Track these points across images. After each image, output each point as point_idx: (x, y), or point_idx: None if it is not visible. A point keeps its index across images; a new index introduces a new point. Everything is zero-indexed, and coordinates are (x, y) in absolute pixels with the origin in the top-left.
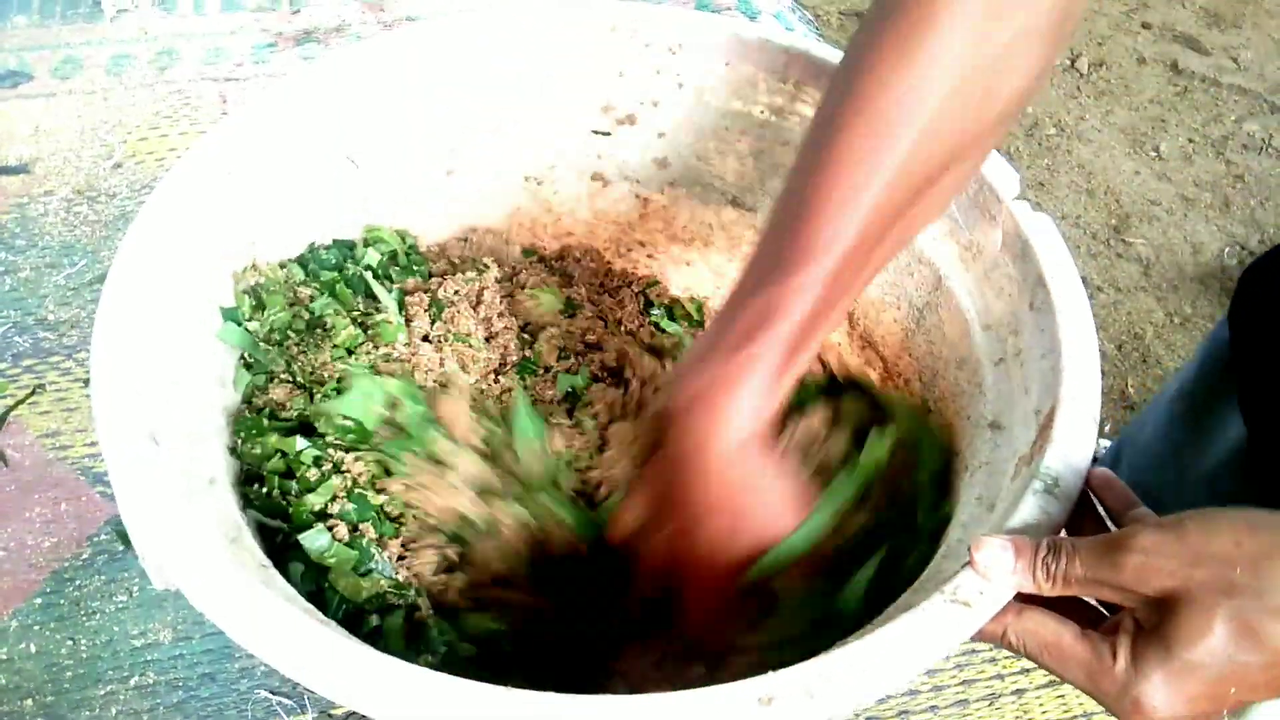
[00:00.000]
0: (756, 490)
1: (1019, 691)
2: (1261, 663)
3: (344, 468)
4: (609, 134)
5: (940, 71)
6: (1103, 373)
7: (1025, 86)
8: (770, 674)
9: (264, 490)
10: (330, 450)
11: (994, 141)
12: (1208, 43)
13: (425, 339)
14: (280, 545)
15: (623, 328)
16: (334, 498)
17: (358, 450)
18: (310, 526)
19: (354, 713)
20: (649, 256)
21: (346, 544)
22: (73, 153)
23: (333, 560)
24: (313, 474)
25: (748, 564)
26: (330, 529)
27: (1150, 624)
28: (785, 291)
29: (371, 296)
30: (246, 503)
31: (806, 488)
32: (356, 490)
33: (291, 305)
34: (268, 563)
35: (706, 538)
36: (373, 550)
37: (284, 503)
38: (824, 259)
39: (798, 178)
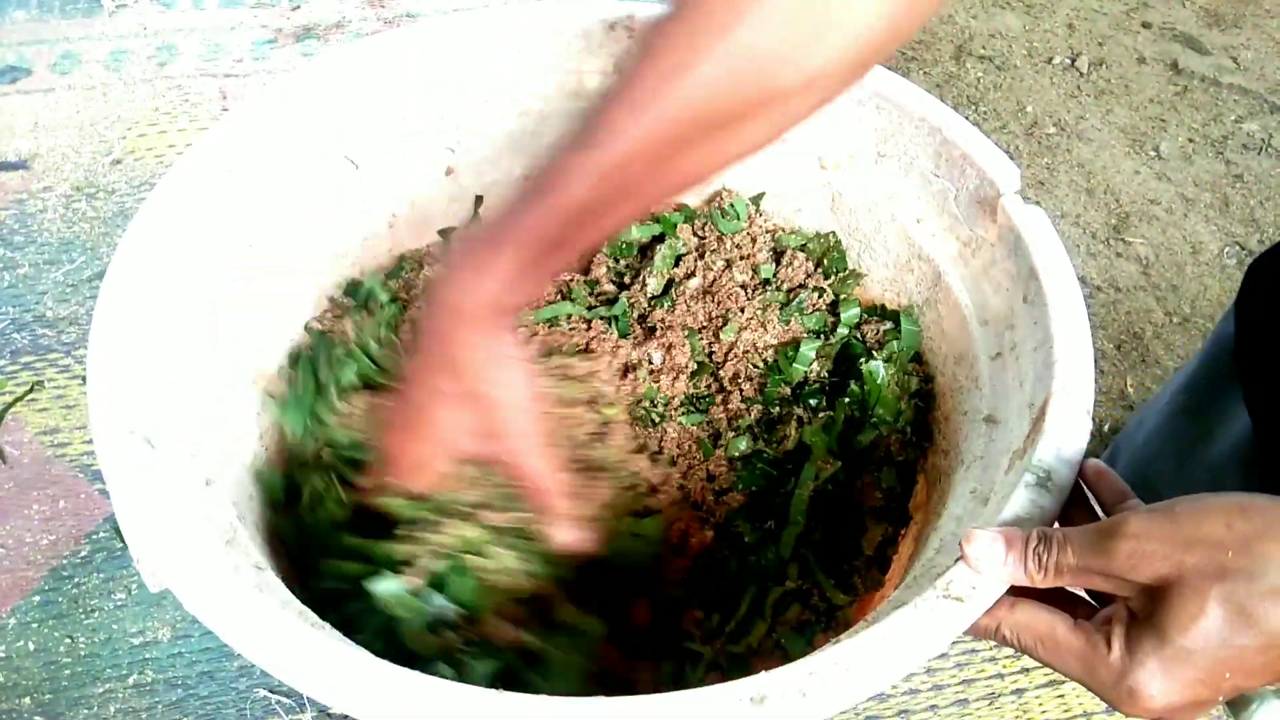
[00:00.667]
0: (484, 361)
1: (1019, 691)
2: (1256, 646)
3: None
4: None
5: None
6: (1101, 372)
7: (870, 34)
8: (763, 673)
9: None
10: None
11: (813, 99)
12: (1208, 42)
13: None
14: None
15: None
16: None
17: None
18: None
19: None
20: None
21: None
22: (72, 149)
23: (401, 611)
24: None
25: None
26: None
27: (1144, 612)
28: (560, 170)
29: None
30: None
31: (530, 373)
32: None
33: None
34: (264, 565)
35: (436, 399)
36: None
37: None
38: (600, 153)
39: (615, 84)
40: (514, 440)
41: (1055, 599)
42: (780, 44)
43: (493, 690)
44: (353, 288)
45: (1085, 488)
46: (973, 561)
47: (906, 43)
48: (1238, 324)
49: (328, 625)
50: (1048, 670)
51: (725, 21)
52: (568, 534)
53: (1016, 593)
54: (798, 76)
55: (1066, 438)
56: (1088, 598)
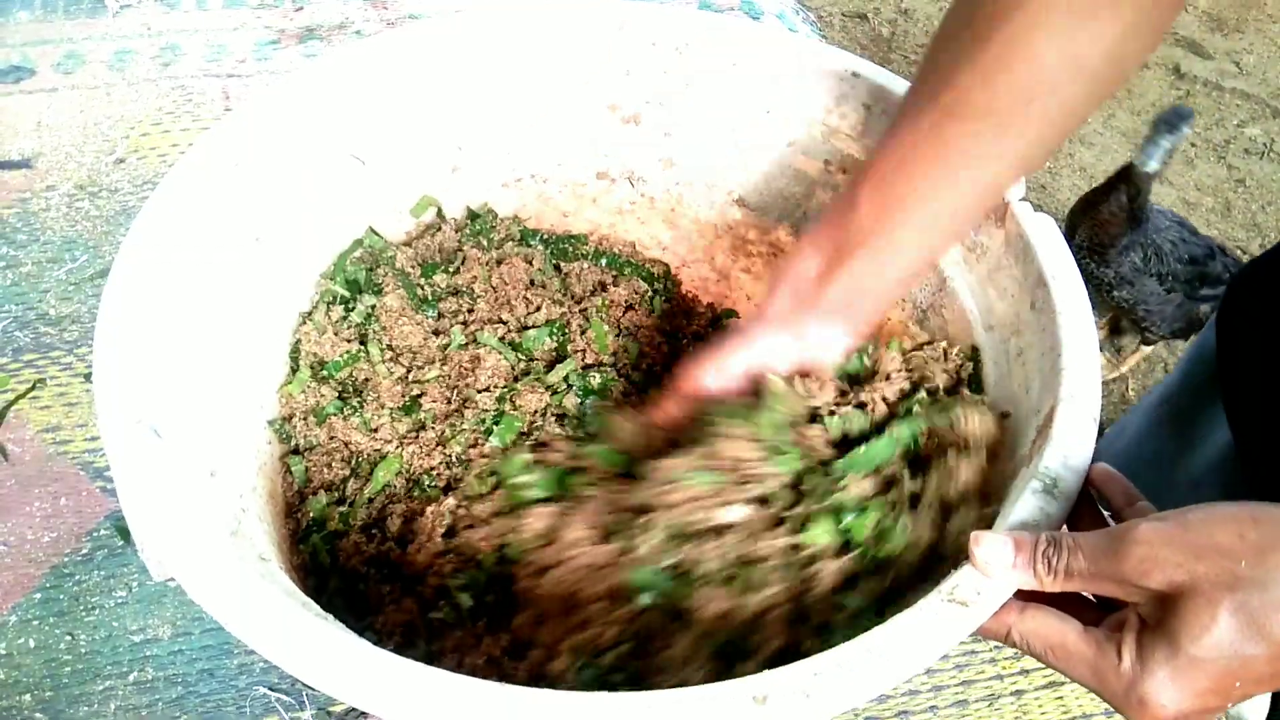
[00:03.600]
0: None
1: (1018, 692)
2: (1267, 655)
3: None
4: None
5: (1094, 44)
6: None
7: (1126, 75)
8: (766, 673)
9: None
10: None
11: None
12: (1210, 47)
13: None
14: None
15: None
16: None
17: None
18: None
19: (353, 709)
20: (662, 249)
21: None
22: (75, 148)
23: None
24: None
25: None
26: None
27: (1154, 619)
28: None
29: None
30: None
31: None
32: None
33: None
34: (269, 556)
35: None
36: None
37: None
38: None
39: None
40: None
41: (1064, 603)
42: (1096, 96)
43: (501, 685)
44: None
45: (1093, 492)
46: (981, 564)
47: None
48: (1219, 336)
49: (331, 616)
50: (1047, 671)
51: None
52: None
53: (1026, 597)
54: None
55: (1074, 444)
56: (1095, 602)
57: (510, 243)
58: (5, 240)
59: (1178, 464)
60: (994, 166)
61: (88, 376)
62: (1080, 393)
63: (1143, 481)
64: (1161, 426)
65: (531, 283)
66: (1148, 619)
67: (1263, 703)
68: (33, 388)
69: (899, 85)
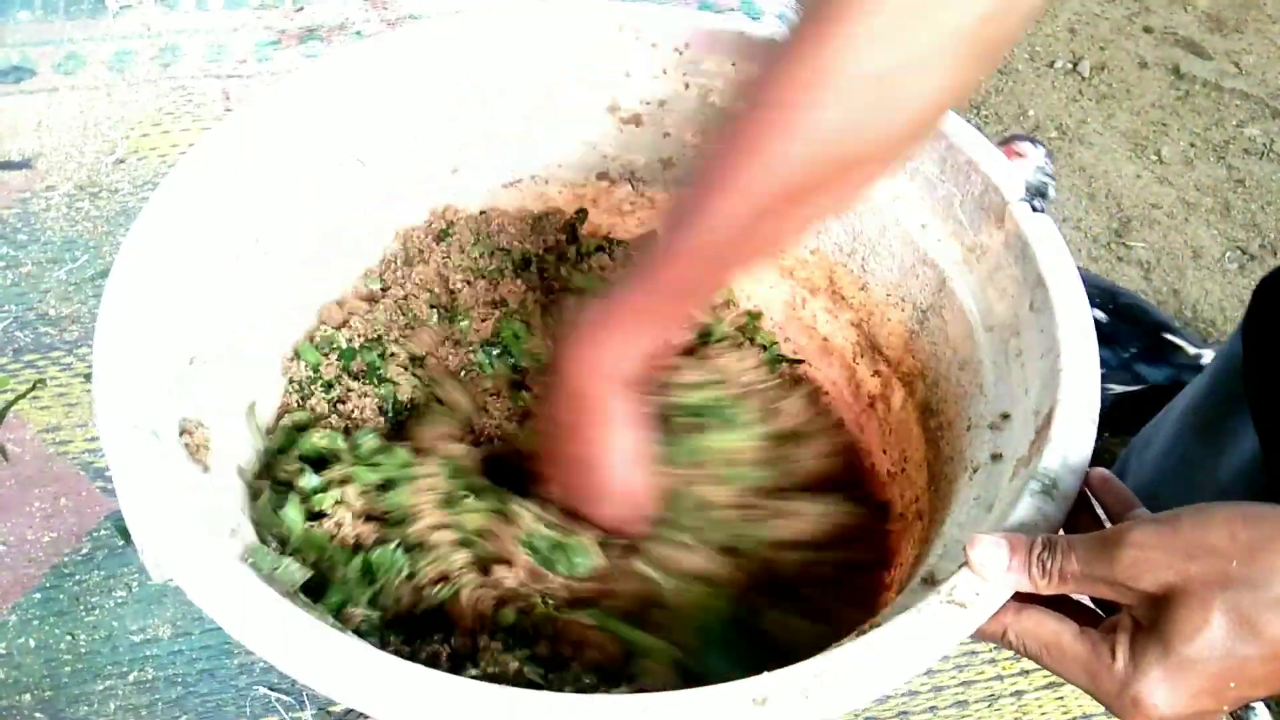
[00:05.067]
0: (604, 428)
1: (1018, 693)
2: (1261, 655)
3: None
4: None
5: (841, 65)
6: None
7: (939, 99)
8: (766, 674)
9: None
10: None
11: (899, 150)
12: (1210, 47)
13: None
14: None
15: None
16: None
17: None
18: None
19: (353, 710)
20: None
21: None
22: (75, 148)
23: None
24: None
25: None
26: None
27: (1148, 621)
28: (668, 262)
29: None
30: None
31: (647, 455)
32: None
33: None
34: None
35: (550, 458)
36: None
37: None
38: (708, 236)
39: (702, 159)
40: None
41: (1060, 604)
42: (856, 120)
43: (498, 686)
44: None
45: (1091, 496)
46: (976, 566)
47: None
48: (1245, 344)
49: (330, 618)
50: (1047, 672)
51: (803, 101)
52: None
53: (1022, 598)
54: (874, 146)
55: (1072, 446)
56: (1091, 604)
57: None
58: (6, 240)
59: (1205, 472)
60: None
61: (88, 377)
62: (1079, 394)
63: (1171, 489)
64: (1189, 435)
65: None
66: (1141, 620)
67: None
68: (33, 388)
69: None
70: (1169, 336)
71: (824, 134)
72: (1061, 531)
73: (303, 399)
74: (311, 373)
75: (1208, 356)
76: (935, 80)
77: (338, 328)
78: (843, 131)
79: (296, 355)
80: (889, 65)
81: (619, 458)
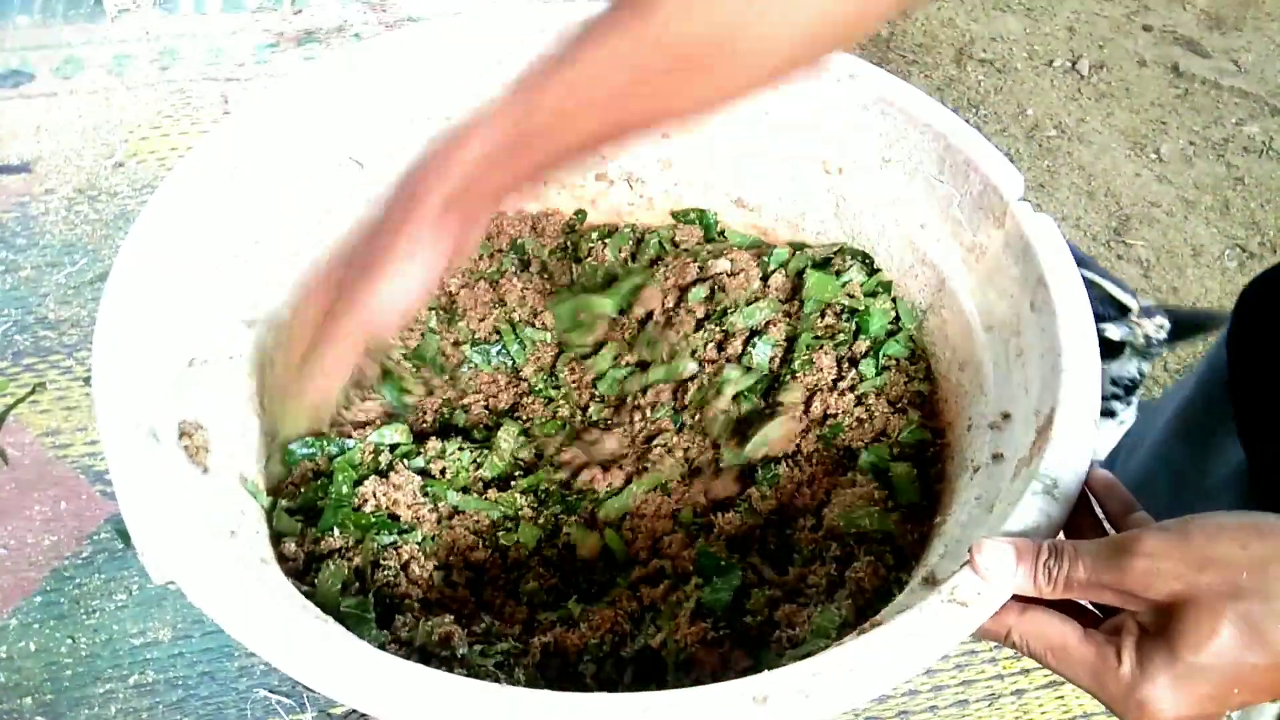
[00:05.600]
0: (416, 224)
1: (1019, 692)
2: (1267, 664)
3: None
4: None
5: None
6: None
7: (825, 14)
8: (766, 673)
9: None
10: None
11: (773, 59)
12: (1209, 45)
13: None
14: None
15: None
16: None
17: None
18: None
19: (354, 711)
20: None
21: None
22: (74, 152)
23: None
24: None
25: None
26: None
27: (1154, 627)
28: (530, 86)
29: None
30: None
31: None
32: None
33: None
34: (268, 557)
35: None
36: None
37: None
38: (565, 73)
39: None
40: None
41: (1059, 604)
42: (743, 8)
43: (499, 685)
44: None
45: (1092, 498)
46: (982, 571)
47: (867, 34)
48: (1230, 354)
49: (330, 618)
50: (1047, 671)
51: None
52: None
53: (1025, 598)
54: (755, 40)
55: (1074, 447)
56: (1091, 606)
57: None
58: (4, 244)
59: (1193, 479)
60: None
61: (87, 380)
62: (1080, 394)
63: (1158, 496)
64: (1177, 441)
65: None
66: (1148, 626)
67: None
68: (32, 391)
69: (897, 86)
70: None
71: (711, 11)
72: (1062, 534)
73: None
74: None
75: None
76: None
77: None
78: (729, 14)
79: None
80: None
81: (408, 262)
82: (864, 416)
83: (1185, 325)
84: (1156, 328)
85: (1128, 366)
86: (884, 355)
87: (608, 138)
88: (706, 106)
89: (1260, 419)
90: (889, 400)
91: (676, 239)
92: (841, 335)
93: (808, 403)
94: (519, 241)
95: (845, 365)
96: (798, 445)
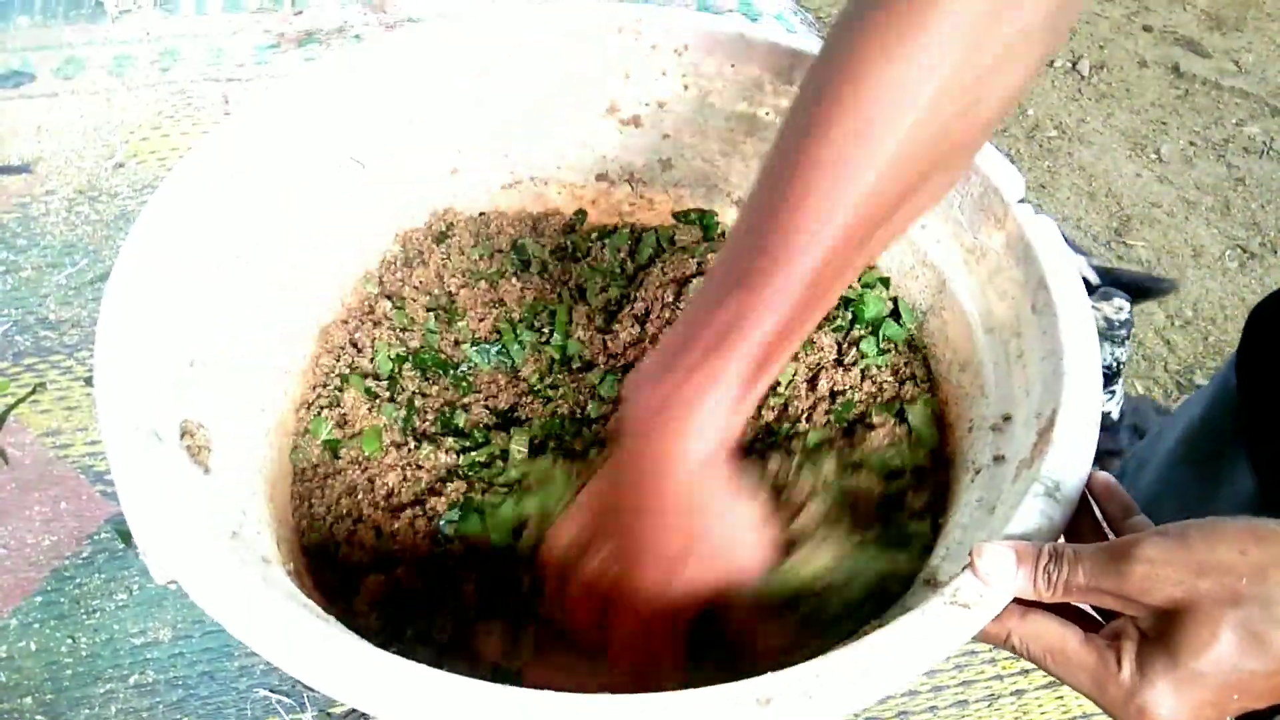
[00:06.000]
0: (717, 516)
1: (1018, 692)
2: (1267, 670)
3: None
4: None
5: (929, 73)
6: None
7: (1018, 88)
8: (770, 674)
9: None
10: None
11: (980, 145)
12: (1209, 46)
13: None
14: None
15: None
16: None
17: None
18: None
19: (354, 711)
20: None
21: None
22: (75, 152)
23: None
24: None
25: (696, 601)
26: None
27: (1154, 632)
28: (755, 301)
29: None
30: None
31: (771, 520)
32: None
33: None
34: (271, 557)
35: (653, 565)
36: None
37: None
38: (796, 268)
39: (771, 178)
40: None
41: (1059, 608)
42: (945, 128)
43: (499, 686)
44: None
45: (1092, 502)
46: (983, 574)
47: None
48: (1239, 378)
49: (332, 618)
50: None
51: (887, 118)
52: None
53: (1025, 602)
54: (974, 130)
55: (1076, 449)
56: (1092, 611)
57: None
58: (5, 245)
59: (1199, 504)
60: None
61: (88, 380)
62: (1082, 397)
63: (1164, 519)
64: (1183, 466)
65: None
66: (1148, 631)
67: None
68: (33, 391)
69: None
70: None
71: (919, 139)
72: (1062, 538)
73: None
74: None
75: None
76: (1021, 70)
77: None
78: (938, 135)
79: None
80: (982, 62)
81: (738, 531)
82: (873, 390)
83: (1133, 290)
84: (1115, 309)
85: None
86: (884, 337)
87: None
88: (938, 201)
89: (1271, 442)
90: (893, 372)
91: (675, 238)
92: (839, 321)
93: (813, 380)
94: (519, 242)
95: (846, 346)
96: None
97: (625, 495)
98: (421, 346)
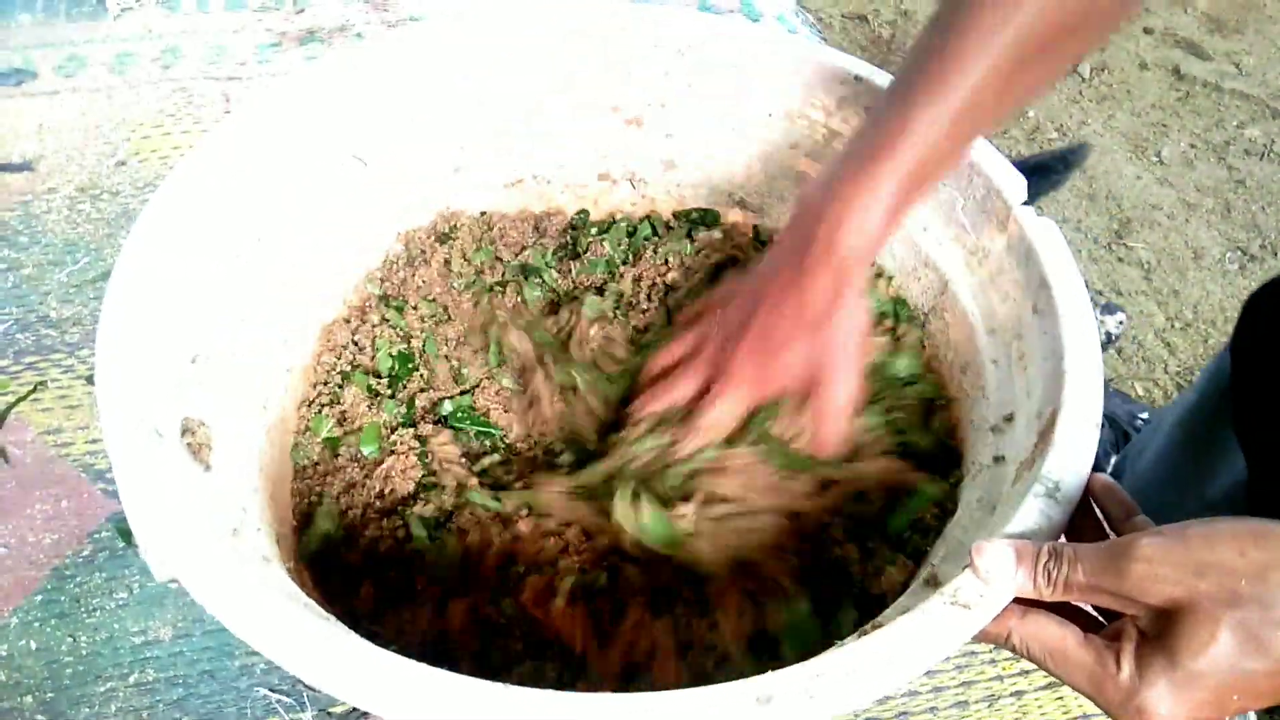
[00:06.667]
0: (856, 300)
1: (1018, 693)
2: (1266, 670)
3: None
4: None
5: None
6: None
7: None
8: (769, 674)
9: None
10: None
11: (1120, 13)
12: (1210, 48)
13: None
14: None
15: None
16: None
17: None
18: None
19: (354, 710)
20: None
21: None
22: (76, 150)
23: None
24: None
25: (809, 362)
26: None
27: (1153, 632)
28: (914, 121)
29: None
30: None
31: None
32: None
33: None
34: (271, 555)
35: (798, 314)
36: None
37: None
38: (953, 95)
39: (935, 25)
40: (836, 375)
41: (1059, 607)
42: None
43: (500, 685)
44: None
45: (1092, 502)
46: (983, 573)
47: None
48: (1233, 362)
49: (332, 617)
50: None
51: None
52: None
53: (1025, 602)
54: None
55: (1076, 450)
56: (1092, 610)
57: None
58: (7, 243)
59: (1194, 488)
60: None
61: (89, 379)
62: (1082, 398)
63: (1158, 504)
64: (1179, 450)
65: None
66: (1147, 631)
67: None
68: (34, 390)
69: None
70: None
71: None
72: (1063, 537)
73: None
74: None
75: None
76: None
77: (339, 355)
78: None
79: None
80: None
81: (853, 324)
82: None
83: (1054, 168)
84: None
85: None
86: (881, 317)
87: (986, 132)
88: (1081, 59)
89: (1261, 425)
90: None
91: (671, 224)
92: None
93: None
94: (522, 255)
95: None
96: None
97: (783, 266)
98: (423, 345)
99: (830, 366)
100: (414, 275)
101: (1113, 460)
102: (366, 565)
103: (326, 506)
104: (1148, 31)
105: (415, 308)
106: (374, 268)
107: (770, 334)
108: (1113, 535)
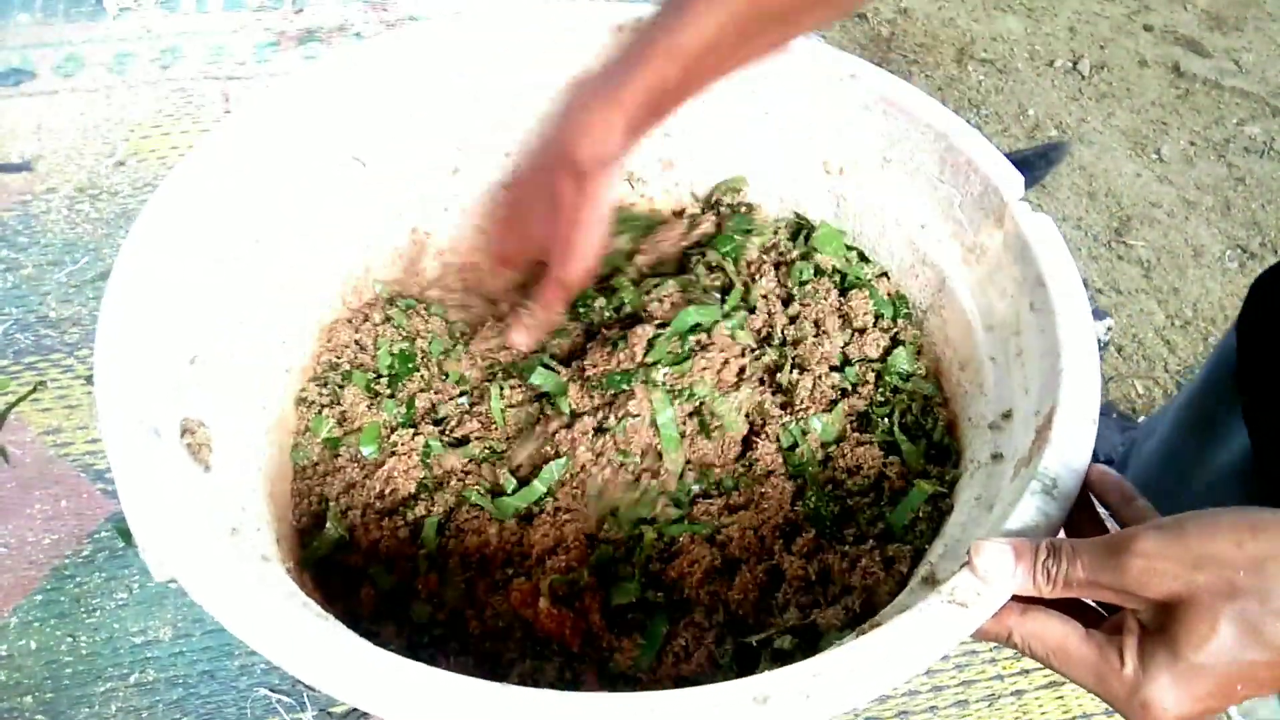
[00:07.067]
0: (590, 203)
1: (1018, 692)
2: (1267, 660)
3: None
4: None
5: None
6: (1102, 374)
7: None
8: (767, 673)
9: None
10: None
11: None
12: (1209, 45)
13: None
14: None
15: None
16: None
17: None
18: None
19: (354, 710)
20: None
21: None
22: (75, 150)
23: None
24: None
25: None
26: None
27: (1154, 626)
28: (658, 50)
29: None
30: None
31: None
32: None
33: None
34: (271, 555)
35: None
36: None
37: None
38: (691, 35)
39: None
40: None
41: (1059, 604)
42: None
43: (500, 685)
44: None
45: (1090, 494)
46: (981, 572)
47: None
48: (1239, 341)
49: (332, 616)
50: (1047, 671)
51: None
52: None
53: (1025, 599)
54: None
55: (1073, 446)
56: (1093, 604)
57: None
58: (6, 243)
59: (1197, 467)
60: None
61: (88, 379)
62: (1079, 394)
63: (1164, 483)
64: (1184, 430)
65: None
66: (1148, 625)
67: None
68: (33, 390)
69: (898, 86)
70: None
71: None
72: (1062, 532)
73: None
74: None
75: None
76: None
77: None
78: None
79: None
80: None
81: (593, 232)
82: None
83: (1040, 162)
84: (1105, 330)
85: None
86: (880, 311)
87: (724, 76)
88: (824, 24)
89: (1267, 405)
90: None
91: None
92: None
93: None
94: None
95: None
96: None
97: (540, 164)
98: (423, 345)
99: (570, 239)
100: (414, 275)
101: (1119, 450)
102: (367, 565)
103: (333, 511)
104: (1148, 29)
105: (416, 299)
106: (373, 267)
107: (509, 210)
108: (1112, 524)
